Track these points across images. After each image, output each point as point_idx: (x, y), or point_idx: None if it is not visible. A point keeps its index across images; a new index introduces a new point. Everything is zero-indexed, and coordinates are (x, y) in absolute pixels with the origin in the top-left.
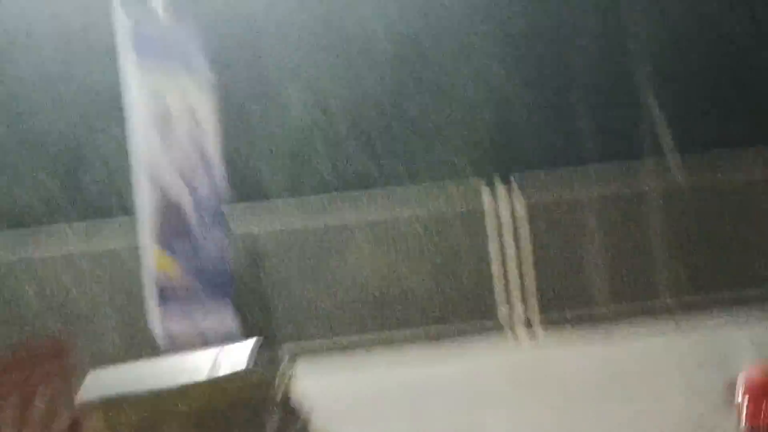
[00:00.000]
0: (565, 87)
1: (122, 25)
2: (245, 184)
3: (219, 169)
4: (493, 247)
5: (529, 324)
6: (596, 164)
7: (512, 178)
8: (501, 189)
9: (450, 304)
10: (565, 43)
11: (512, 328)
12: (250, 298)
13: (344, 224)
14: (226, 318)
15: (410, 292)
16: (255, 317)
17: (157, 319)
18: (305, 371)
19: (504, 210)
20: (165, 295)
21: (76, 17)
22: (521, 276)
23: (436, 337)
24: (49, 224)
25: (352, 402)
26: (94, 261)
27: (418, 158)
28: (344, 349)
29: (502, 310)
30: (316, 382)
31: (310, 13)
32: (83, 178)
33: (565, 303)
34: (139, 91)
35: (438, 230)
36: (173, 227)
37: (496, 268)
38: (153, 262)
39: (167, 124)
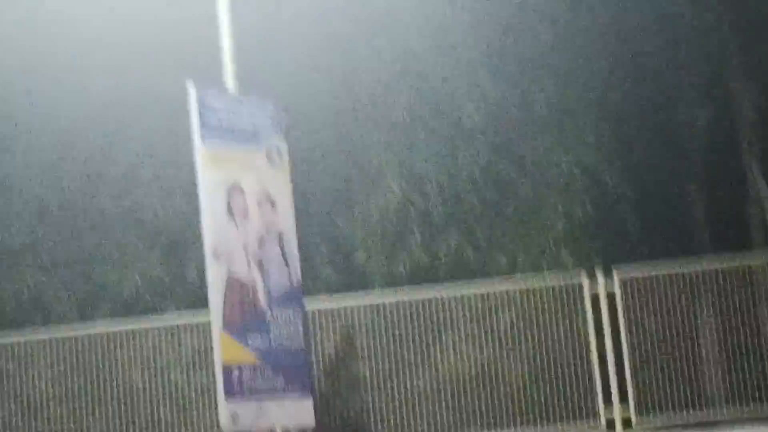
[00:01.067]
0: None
1: (194, 107)
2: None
3: (294, 252)
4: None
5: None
6: (701, 255)
7: (613, 269)
8: (601, 279)
9: (547, 402)
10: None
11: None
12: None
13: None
14: (302, 410)
15: (507, 387)
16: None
17: (224, 411)
18: None
19: (603, 300)
20: (233, 385)
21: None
22: (621, 375)
23: None
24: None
25: None
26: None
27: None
28: None
29: (601, 411)
30: None
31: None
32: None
33: (664, 405)
34: (210, 175)
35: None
36: (245, 314)
37: (595, 365)
38: (220, 350)
39: (239, 208)
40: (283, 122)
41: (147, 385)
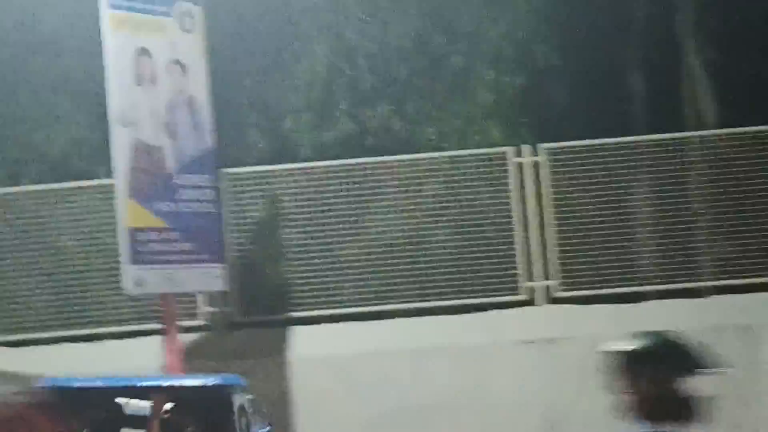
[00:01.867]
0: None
1: None
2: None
3: (206, 118)
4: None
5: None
6: (630, 136)
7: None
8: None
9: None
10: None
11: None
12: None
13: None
14: (212, 275)
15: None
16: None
17: (128, 275)
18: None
19: (528, 168)
20: (138, 250)
21: None
22: (545, 247)
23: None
24: None
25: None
26: None
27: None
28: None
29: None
30: None
31: None
32: None
33: (588, 279)
34: (116, 40)
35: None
36: (152, 179)
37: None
38: (126, 216)
39: (146, 73)
40: None
41: (77, 246)
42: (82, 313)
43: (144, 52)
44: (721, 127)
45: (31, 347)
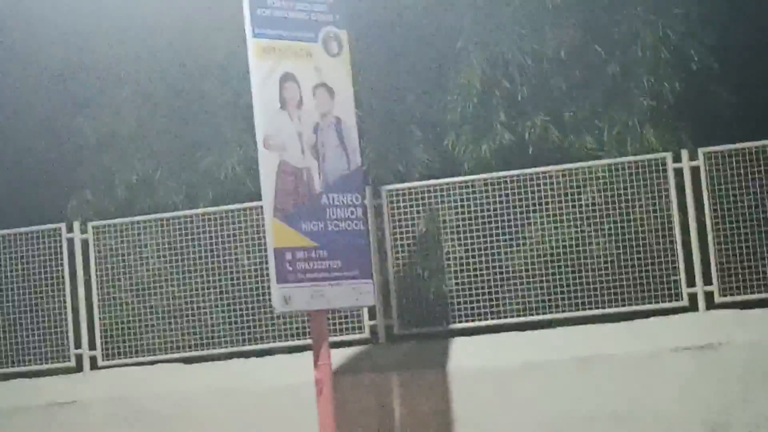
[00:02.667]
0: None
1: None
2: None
3: (354, 137)
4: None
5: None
6: None
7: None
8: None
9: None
10: None
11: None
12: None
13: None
14: (361, 291)
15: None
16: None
17: (276, 294)
18: None
19: (687, 173)
20: (285, 269)
21: None
22: (705, 252)
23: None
24: None
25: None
26: None
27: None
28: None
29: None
30: None
31: None
32: None
33: (748, 283)
34: (261, 67)
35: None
36: (299, 200)
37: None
38: (272, 236)
39: (292, 97)
40: (344, 12)
41: (252, 263)
42: (255, 330)
43: (289, 77)
44: None
45: (207, 363)
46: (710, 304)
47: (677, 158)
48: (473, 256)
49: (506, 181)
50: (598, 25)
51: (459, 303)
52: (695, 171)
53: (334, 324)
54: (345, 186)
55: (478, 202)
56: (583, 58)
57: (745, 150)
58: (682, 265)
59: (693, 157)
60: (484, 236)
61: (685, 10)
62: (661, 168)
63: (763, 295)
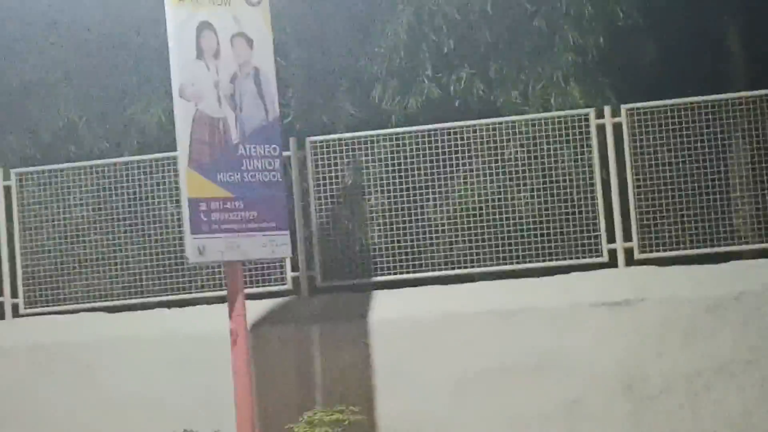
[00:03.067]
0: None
1: None
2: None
3: (272, 89)
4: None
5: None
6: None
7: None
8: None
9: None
10: None
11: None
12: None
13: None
14: (278, 242)
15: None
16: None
17: (190, 244)
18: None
19: (609, 129)
20: (200, 219)
21: None
22: (626, 208)
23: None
24: None
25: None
26: None
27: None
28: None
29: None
30: None
31: None
32: None
33: (668, 240)
34: (178, 15)
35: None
36: (215, 150)
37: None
38: (187, 186)
39: (209, 47)
40: None
41: (175, 213)
42: (177, 280)
43: (206, 26)
44: None
45: (127, 312)
46: (630, 261)
47: (600, 114)
48: (397, 209)
49: (431, 135)
50: None
51: (382, 256)
52: (617, 127)
53: (257, 275)
54: (262, 137)
55: (403, 155)
56: (509, 12)
57: (668, 107)
58: (602, 222)
59: (615, 113)
60: (408, 189)
61: None
62: (583, 124)
63: (681, 252)
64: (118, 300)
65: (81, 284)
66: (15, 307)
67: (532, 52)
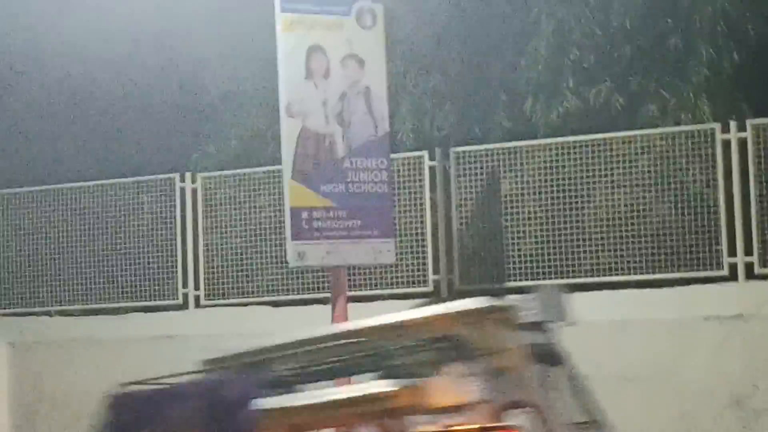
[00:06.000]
0: None
1: None
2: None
3: (383, 106)
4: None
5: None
6: None
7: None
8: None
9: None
10: None
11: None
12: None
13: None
14: (381, 249)
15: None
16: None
17: (291, 249)
18: None
19: (735, 145)
20: (301, 226)
21: None
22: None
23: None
24: None
25: None
26: None
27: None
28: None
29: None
30: None
31: None
32: None
33: None
34: (288, 40)
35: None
36: (320, 163)
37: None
38: (289, 196)
39: (319, 68)
40: None
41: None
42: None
43: (317, 49)
44: None
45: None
46: (750, 275)
47: (726, 129)
48: (532, 218)
49: (569, 146)
50: None
51: (517, 262)
52: (742, 142)
53: (402, 278)
54: (370, 151)
55: (542, 166)
56: (647, 29)
57: None
58: (724, 235)
59: (741, 128)
60: (546, 199)
61: None
62: (710, 138)
63: None
64: (282, 296)
65: (252, 280)
66: (197, 299)
67: (668, 67)
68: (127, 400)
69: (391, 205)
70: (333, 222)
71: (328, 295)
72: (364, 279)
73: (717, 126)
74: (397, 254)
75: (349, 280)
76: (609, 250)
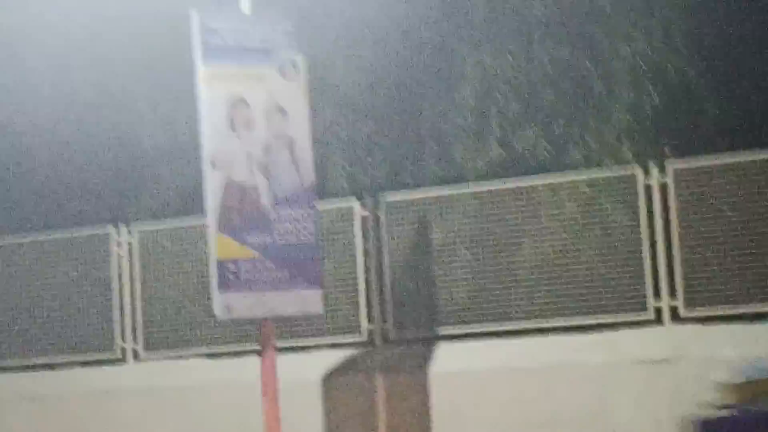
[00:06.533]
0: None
1: (196, 30)
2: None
3: (307, 157)
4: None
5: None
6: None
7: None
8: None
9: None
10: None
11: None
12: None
13: None
14: (308, 299)
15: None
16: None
17: (217, 301)
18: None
19: (656, 190)
20: (227, 278)
21: None
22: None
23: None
24: None
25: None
26: None
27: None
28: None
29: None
30: None
31: None
32: None
33: (713, 298)
34: (211, 92)
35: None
36: (245, 215)
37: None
38: (216, 248)
39: (242, 119)
40: (303, 37)
41: None
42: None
43: (240, 101)
44: None
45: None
46: (675, 318)
47: (647, 173)
48: (466, 265)
49: (497, 194)
50: (583, 42)
51: (451, 310)
52: (663, 186)
53: (334, 327)
54: (296, 201)
55: (471, 213)
56: (569, 73)
57: (714, 166)
58: (649, 279)
59: (663, 171)
60: (477, 246)
61: (666, 23)
62: (632, 182)
63: (727, 311)
64: (221, 347)
65: (193, 332)
66: (135, 352)
67: (592, 112)
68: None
69: (318, 254)
70: (260, 273)
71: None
72: (298, 330)
73: (638, 170)
74: (324, 304)
75: (284, 330)
76: (538, 296)
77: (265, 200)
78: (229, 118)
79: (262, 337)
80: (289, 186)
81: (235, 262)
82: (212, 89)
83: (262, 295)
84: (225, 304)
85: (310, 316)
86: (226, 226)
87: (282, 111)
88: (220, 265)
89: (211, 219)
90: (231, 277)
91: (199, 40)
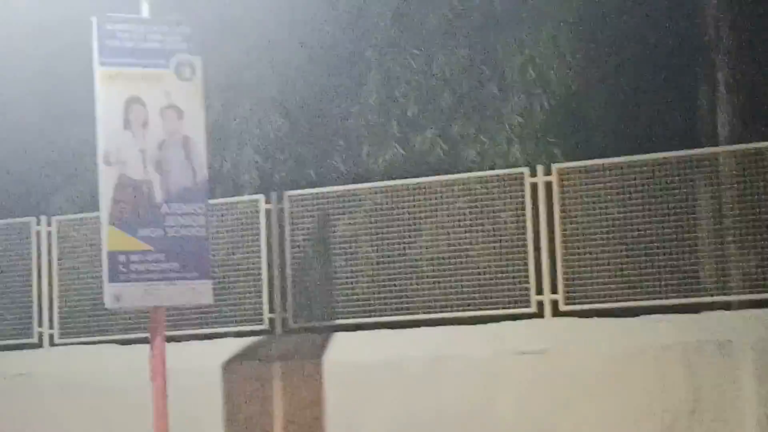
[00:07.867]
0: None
1: (95, 34)
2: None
3: (201, 154)
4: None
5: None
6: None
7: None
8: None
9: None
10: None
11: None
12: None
13: None
14: (199, 290)
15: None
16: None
17: (108, 292)
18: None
19: (541, 188)
20: (117, 269)
21: None
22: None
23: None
24: None
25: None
26: None
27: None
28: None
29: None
30: None
31: None
32: None
33: (592, 293)
34: (107, 92)
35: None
36: (138, 208)
37: (530, 253)
38: (107, 240)
39: (138, 118)
40: (198, 39)
41: None
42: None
43: (136, 100)
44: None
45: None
46: (556, 312)
47: (534, 173)
48: (365, 258)
49: (395, 191)
50: (480, 48)
51: (349, 301)
52: (548, 186)
53: (237, 317)
54: (188, 197)
55: (369, 208)
56: (467, 77)
57: (597, 166)
58: (532, 274)
59: (548, 172)
60: (376, 240)
61: (555, 33)
62: (519, 182)
63: (605, 305)
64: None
65: (106, 319)
66: (51, 337)
67: (486, 114)
68: None
69: (209, 247)
70: (151, 265)
71: (175, 333)
72: (201, 318)
73: (525, 170)
74: (214, 295)
75: (185, 319)
76: (432, 289)
77: (158, 195)
78: (124, 116)
79: (152, 324)
80: (183, 182)
81: (126, 254)
82: (108, 89)
83: (152, 286)
84: (115, 294)
85: (200, 306)
86: (117, 219)
87: (177, 110)
88: (111, 256)
89: (103, 213)
90: (122, 268)
91: (97, 43)
